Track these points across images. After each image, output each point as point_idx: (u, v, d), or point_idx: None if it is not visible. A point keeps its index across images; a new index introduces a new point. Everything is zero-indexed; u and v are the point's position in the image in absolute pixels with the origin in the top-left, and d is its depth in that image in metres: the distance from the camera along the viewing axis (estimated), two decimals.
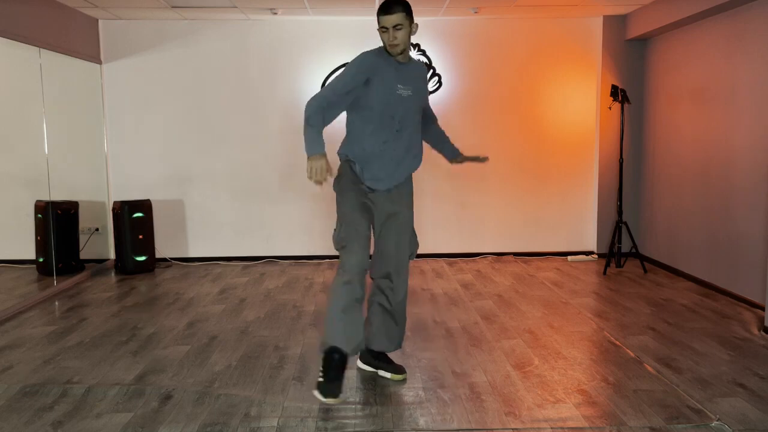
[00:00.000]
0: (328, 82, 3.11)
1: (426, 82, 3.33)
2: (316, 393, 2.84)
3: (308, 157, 2.86)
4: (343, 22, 6.10)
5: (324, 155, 2.85)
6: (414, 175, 3.25)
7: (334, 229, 3.05)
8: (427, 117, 3.36)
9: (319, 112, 2.94)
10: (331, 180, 2.96)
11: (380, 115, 3.02)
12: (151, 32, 6.08)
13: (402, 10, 2.94)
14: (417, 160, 3.21)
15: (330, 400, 2.81)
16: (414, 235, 3.26)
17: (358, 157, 3.08)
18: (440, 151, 3.50)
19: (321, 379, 2.87)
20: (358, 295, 2.93)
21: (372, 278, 3.17)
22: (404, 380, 3.18)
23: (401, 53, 3.01)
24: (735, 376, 3.21)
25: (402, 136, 3.08)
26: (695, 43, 5.23)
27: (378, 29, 2.99)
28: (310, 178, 2.81)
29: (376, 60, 2.99)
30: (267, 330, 4.06)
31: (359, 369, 3.30)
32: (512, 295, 4.88)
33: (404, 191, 3.19)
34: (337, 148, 3.20)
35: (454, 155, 3.48)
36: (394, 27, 2.93)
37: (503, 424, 2.70)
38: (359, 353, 3.26)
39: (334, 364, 2.88)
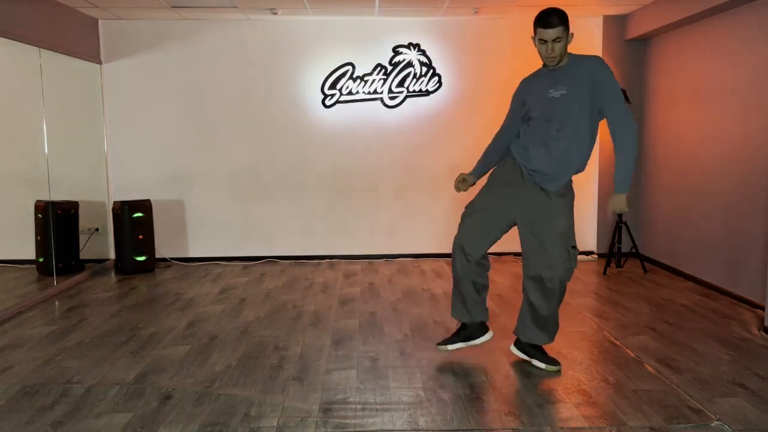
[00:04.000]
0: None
1: (592, 78, 3.04)
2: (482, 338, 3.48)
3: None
4: (343, 22, 6.10)
5: (469, 176, 3.45)
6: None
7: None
8: (610, 118, 3.09)
9: (492, 144, 3.45)
10: (464, 193, 3.56)
11: (538, 121, 3.16)
12: (151, 32, 6.08)
13: (561, 23, 2.98)
14: (580, 161, 3.16)
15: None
16: (570, 248, 3.17)
17: (523, 157, 3.22)
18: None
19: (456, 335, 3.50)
20: (457, 273, 3.38)
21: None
22: (558, 372, 3.28)
23: (557, 65, 3.09)
24: (735, 376, 3.21)
25: (560, 138, 3.11)
26: (695, 43, 5.23)
27: (535, 40, 3.07)
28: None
29: (525, 84, 3.28)
30: (267, 330, 4.06)
31: (512, 353, 3.48)
32: (512, 295, 4.88)
33: (564, 198, 3.18)
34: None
35: (616, 187, 3.15)
36: (554, 40, 2.99)
37: (503, 424, 2.71)
38: (516, 339, 3.48)
39: (459, 329, 3.51)
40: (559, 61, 3.07)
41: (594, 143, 3.20)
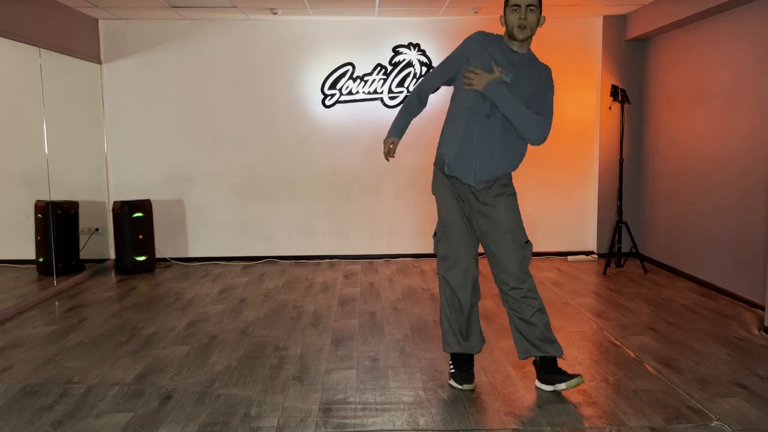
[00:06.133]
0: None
1: (539, 84, 2.94)
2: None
3: (386, 136, 3.17)
4: (342, 22, 6.10)
5: (396, 140, 3.16)
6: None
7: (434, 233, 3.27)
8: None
9: (415, 94, 3.17)
10: (392, 160, 3.28)
11: (474, 93, 2.85)
12: (151, 32, 6.08)
13: None
14: (510, 162, 3.00)
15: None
16: (522, 241, 3.10)
17: (446, 142, 3.02)
18: None
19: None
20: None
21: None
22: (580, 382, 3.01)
23: (525, 39, 2.82)
24: (735, 376, 3.21)
25: (492, 125, 2.86)
26: (695, 43, 5.23)
27: (506, 10, 2.82)
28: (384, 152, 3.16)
29: (484, 40, 2.88)
30: (267, 330, 4.06)
31: (539, 389, 3.06)
32: None
33: (500, 195, 3.01)
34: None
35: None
36: (528, 6, 2.74)
37: (503, 424, 2.71)
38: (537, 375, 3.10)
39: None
40: (527, 37, 2.82)
41: (526, 144, 2.99)
